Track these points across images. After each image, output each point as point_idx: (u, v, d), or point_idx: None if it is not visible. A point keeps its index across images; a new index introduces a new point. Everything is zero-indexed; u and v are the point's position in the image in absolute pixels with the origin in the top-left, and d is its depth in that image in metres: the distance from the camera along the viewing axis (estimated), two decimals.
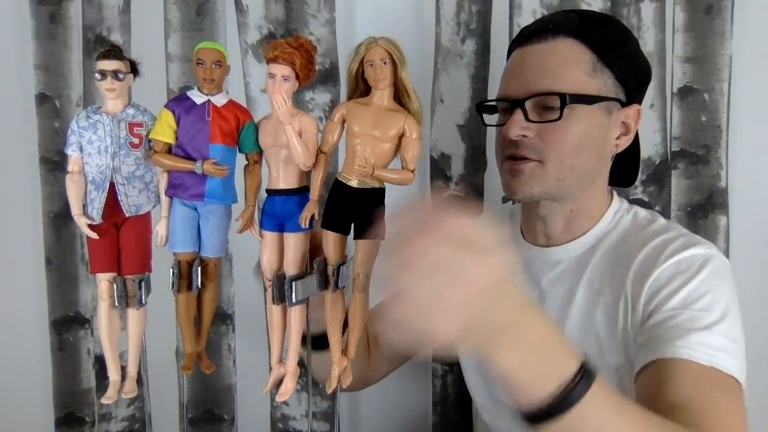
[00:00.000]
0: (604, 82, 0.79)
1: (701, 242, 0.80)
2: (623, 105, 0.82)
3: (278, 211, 0.70)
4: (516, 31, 1.14)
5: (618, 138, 0.83)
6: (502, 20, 1.15)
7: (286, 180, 0.69)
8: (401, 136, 0.69)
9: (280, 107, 0.64)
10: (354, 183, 0.69)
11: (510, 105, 0.80)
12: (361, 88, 0.71)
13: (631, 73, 0.82)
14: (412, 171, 0.70)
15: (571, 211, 0.85)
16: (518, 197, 0.83)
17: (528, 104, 0.78)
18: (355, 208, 0.69)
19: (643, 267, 0.79)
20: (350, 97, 0.72)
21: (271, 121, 0.69)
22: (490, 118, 0.88)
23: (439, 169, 1.19)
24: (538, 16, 1.13)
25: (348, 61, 0.69)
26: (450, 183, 1.19)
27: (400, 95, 0.70)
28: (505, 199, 0.89)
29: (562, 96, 0.76)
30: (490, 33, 1.16)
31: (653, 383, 0.70)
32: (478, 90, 1.17)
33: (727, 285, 0.77)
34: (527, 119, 0.78)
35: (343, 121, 0.71)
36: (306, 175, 0.70)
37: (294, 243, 0.70)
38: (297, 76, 0.66)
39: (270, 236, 0.71)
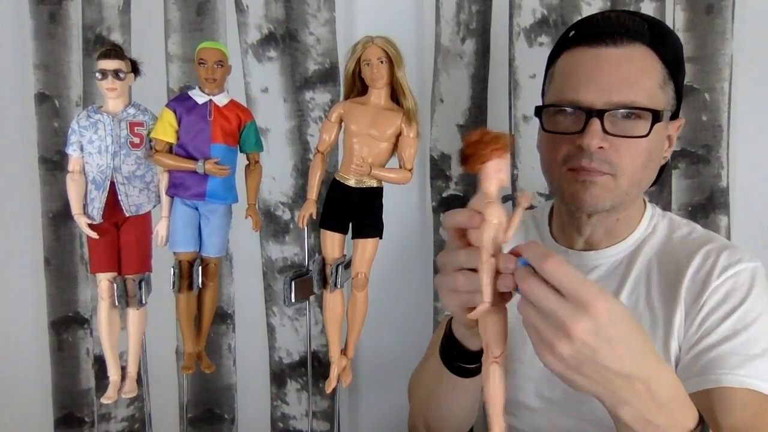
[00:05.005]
0: (668, 96, 0.77)
1: (745, 252, 0.80)
2: (672, 118, 0.80)
3: None
4: (516, 31, 1.14)
5: (665, 150, 0.82)
6: (502, 20, 1.15)
7: None
8: (398, 135, 0.69)
9: None
10: (352, 182, 0.68)
11: (585, 114, 0.74)
12: (358, 87, 0.71)
13: (682, 85, 0.80)
14: (410, 170, 0.70)
15: (617, 220, 0.84)
16: (587, 209, 0.79)
17: (606, 114, 0.74)
18: (353, 208, 0.69)
19: (697, 280, 0.78)
20: (347, 97, 0.71)
21: None
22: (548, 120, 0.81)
23: (439, 169, 1.19)
24: (538, 16, 1.13)
25: (345, 61, 0.69)
26: (450, 183, 1.19)
27: (397, 94, 0.69)
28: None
29: (655, 113, 0.73)
30: (490, 33, 1.16)
31: (712, 409, 0.72)
32: (478, 90, 1.17)
33: None
34: (604, 130, 0.73)
35: (341, 121, 0.70)
36: None
37: None
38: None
39: None
